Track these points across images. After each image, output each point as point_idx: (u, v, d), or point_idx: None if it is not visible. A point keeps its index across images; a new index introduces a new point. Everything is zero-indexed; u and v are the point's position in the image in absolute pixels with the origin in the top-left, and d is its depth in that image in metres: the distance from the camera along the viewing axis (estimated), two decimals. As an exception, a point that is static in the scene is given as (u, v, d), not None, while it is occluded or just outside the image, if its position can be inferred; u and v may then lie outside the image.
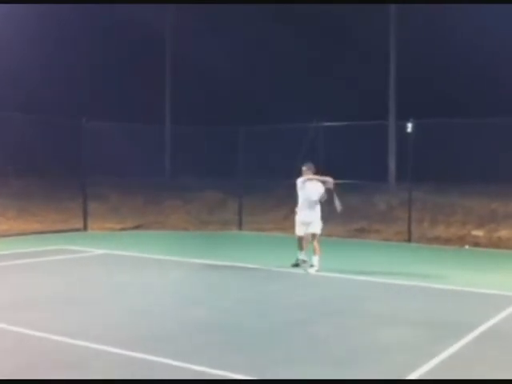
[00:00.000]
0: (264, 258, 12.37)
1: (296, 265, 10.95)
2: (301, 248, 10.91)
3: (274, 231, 16.92)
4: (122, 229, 17.07)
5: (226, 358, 5.93)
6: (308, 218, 10.70)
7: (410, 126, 14.84)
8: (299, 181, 10.75)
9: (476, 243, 14.60)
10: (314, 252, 10.61)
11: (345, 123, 17.35)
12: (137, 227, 17.40)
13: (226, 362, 5.74)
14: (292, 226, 15.75)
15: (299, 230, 10.87)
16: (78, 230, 16.38)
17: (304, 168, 10.79)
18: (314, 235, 10.70)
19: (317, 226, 10.73)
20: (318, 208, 10.77)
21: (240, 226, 17.61)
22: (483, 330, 7.02)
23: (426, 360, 5.81)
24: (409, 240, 15.11)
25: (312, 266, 10.57)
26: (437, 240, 15.15)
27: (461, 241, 14.88)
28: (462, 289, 9.42)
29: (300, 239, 10.90)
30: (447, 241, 15.02)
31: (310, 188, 10.68)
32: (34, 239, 14.65)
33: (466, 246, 14.40)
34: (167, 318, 7.44)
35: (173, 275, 10.48)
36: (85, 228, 16.53)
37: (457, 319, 7.55)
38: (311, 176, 10.69)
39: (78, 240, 14.62)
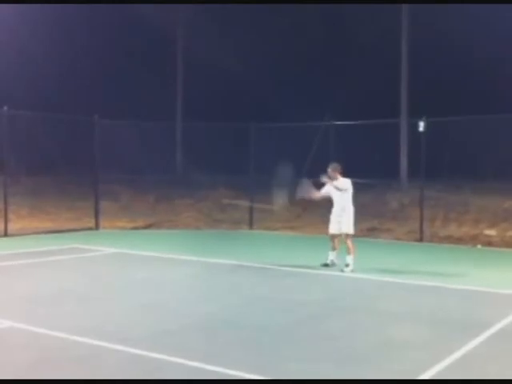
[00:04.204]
0: (275, 256, 12.36)
1: (326, 265, 11.01)
2: (332, 248, 11.06)
3: (286, 230, 16.90)
4: (134, 228, 17.13)
5: (239, 355, 5.94)
6: (339, 218, 10.86)
7: (422, 125, 14.76)
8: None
9: (489, 242, 14.49)
10: (348, 251, 10.70)
11: (356, 122, 17.27)
12: (149, 226, 17.44)
13: (239, 360, 5.76)
14: (303, 226, 15.82)
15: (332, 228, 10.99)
16: (90, 228, 16.47)
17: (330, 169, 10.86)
18: (346, 235, 10.82)
19: (348, 226, 10.81)
20: (350, 209, 10.90)
21: (251, 226, 17.59)
22: (497, 329, 6.99)
23: (439, 359, 5.80)
24: (421, 239, 15.01)
25: (347, 265, 10.63)
26: (449, 239, 15.03)
27: (473, 240, 14.76)
28: (475, 288, 9.38)
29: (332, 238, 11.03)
30: (459, 240, 14.89)
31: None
32: (47, 238, 14.74)
33: (479, 246, 14.32)
34: (179, 317, 7.46)
35: (185, 274, 10.51)
36: (97, 227, 16.61)
37: (470, 318, 7.52)
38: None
39: (90, 239, 14.70)
